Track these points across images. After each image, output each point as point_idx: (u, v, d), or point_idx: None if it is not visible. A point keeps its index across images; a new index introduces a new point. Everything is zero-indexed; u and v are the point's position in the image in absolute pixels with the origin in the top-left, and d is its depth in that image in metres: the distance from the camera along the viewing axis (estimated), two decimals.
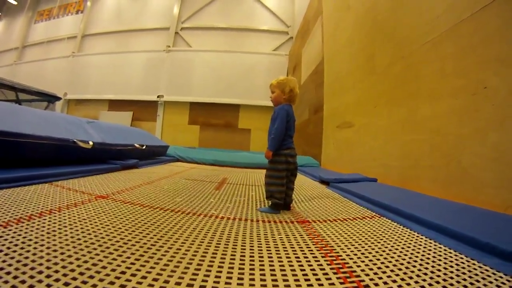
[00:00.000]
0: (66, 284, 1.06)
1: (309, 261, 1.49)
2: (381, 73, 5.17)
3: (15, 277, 1.07)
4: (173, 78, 17.26)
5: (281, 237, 1.88)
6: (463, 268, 1.47)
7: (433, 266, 1.47)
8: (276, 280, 1.25)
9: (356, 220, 2.48)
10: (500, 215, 2.44)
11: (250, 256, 1.51)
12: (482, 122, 2.97)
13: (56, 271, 1.15)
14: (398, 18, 4.74)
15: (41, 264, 1.19)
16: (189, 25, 18.46)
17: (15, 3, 23.58)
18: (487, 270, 1.45)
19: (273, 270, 1.35)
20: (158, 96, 17.05)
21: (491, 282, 1.32)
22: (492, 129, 2.85)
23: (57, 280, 1.08)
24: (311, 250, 1.65)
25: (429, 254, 1.66)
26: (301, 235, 1.96)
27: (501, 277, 1.38)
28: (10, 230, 1.54)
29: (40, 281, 1.06)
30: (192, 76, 17.16)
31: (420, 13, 4.09)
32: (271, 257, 1.51)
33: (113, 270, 1.22)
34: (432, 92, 3.75)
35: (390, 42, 4.93)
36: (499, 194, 2.72)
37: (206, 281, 1.20)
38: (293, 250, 1.64)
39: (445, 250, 1.75)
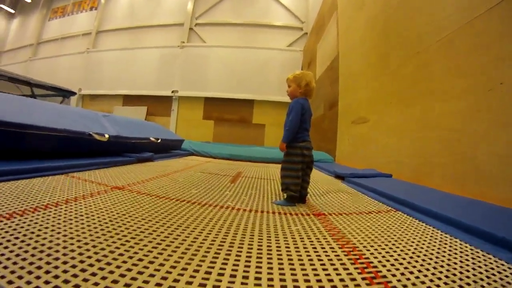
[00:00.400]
0: (83, 270, 1.06)
1: (326, 251, 1.48)
2: (394, 71, 5.14)
3: (31, 263, 1.07)
4: (187, 74, 17.27)
5: (298, 229, 1.87)
6: (479, 262, 1.45)
7: (449, 259, 1.45)
8: (294, 269, 1.24)
9: (372, 214, 2.46)
10: None
11: (268, 246, 1.50)
12: (495, 120, 2.93)
13: (73, 258, 1.15)
14: (410, 17, 4.71)
15: (57, 251, 1.19)
16: (203, 21, 18.45)
17: (29, 0, 23.80)
18: (502, 265, 1.43)
19: (291, 259, 1.34)
20: (172, 91, 17.08)
21: (507, 276, 1.30)
22: (505, 126, 2.81)
23: (73, 266, 1.09)
24: (328, 241, 1.64)
25: (445, 247, 1.64)
26: (318, 227, 1.95)
27: None
28: (26, 218, 1.54)
29: (56, 267, 1.06)
30: (207, 71, 17.16)
31: (432, 12, 4.05)
32: (288, 247, 1.50)
33: (130, 257, 1.21)
34: (445, 90, 3.71)
35: (402, 41, 4.89)
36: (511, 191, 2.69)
37: (224, 269, 1.19)
38: (310, 241, 1.63)
39: (460, 244, 1.73)
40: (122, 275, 1.06)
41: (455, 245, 1.69)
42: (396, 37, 5.14)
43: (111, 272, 1.07)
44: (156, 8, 19.40)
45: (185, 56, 17.60)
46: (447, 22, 3.69)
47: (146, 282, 1.03)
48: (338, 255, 1.44)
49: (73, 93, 10.96)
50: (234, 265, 1.24)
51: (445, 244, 1.71)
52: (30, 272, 1.01)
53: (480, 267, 1.39)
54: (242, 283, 1.08)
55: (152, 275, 1.08)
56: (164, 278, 1.06)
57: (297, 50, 16.90)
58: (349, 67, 7.77)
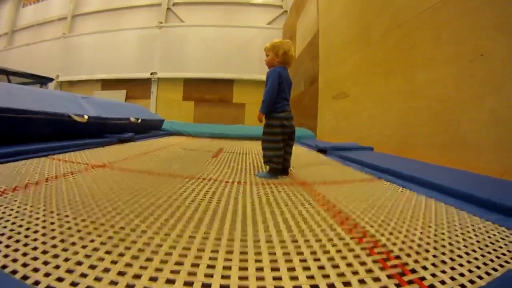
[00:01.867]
0: (62, 240, 1.03)
1: (311, 214, 1.48)
2: (377, 43, 5.09)
3: (17, 241, 1.02)
4: (166, 55, 17.06)
5: (282, 196, 1.86)
6: (466, 223, 1.46)
7: (435, 221, 1.46)
8: (280, 231, 1.23)
9: (355, 182, 2.48)
10: (498, 180, 2.41)
11: (252, 211, 1.49)
12: (479, 88, 2.94)
13: (53, 230, 1.11)
14: None
15: (36, 225, 1.15)
16: (181, 0, 18.20)
17: None
18: (489, 225, 1.44)
19: (278, 224, 1.33)
20: (151, 73, 16.90)
21: (494, 235, 1.31)
22: (489, 94, 2.82)
23: (53, 237, 1.05)
24: (313, 206, 1.64)
25: (430, 210, 1.65)
26: (302, 194, 1.95)
27: (503, 231, 1.38)
28: (5, 197, 1.49)
29: (35, 240, 1.03)
30: (186, 52, 16.96)
31: None
32: (273, 211, 1.49)
33: (112, 226, 1.18)
34: (428, 60, 3.69)
35: (385, 11, 4.84)
36: (496, 160, 2.71)
37: (209, 233, 1.17)
38: (294, 206, 1.62)
39: (446, 207, 1.74)
40: (103, 243, 1.03)
41: (440, 209, 1.70)
42: (379, 7, 5.10)
43: (92, 241, 1.04)
44: None
45: (163, 37, 17.35)
46: None
47: (128, 248, 1.00)
48: (324, 217, 1.43)
49: (51, 80, 10.79)
50: (218, 228, 1.23)
51: (431, 207, 1.72)
52: (5, 255, 0.96)
53: (467, 227, 1.40)
54: (227, 245, 1.06)
55: (134, 242, 1.05)
56: (147, 244, 1.04)
57: (277, 28, 16.79)
58: (330, 42, 7.70)
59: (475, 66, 2.97)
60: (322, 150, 4.84)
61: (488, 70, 2.83)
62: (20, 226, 1.13)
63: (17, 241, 1.01)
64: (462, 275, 0.92)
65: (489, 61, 2.82)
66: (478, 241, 1.21)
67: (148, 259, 0.93)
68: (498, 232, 1.34)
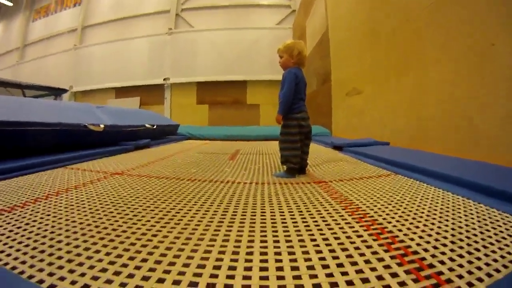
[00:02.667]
0: (86, 249, 1.06)
1: (330, 213, 1.49)
2: (387, 38, 5.06)
3: (34, 248, 1.07)
4: (178, 60, 17.12)
5: (300, 195, 1.87)
6: (483, 215, 1.45)
7: (453, 214, 1.46)
8: (299, 231, 1.24)
9: (372, 178, 2.47)
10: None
11: (271, 212, 1.51)
12: (491, 80, 2.90)
13: (76, 239, 1.15)
14: None
15: (59, 235, 1.19)
16: (189, 5, 18.20)
17: (10, 4, 23.36)
18: (507, 217, 1.43)
19: (295, 222, 1.35)
20: (164, 79, 16.99)
21: None
22: (502, 86, 2.79)
23: (76, 246, 1.08)
24: (331, 204, 1.65)
25: (448, 204, 1.64)
26: (319, 192, 1.96)
27: None
28: (27, 209, 1.54)
29: (59, 249, 1.06)
30: (197, 56, 17.00)
31: None
32: (292, 212, 1.50)
33: (134, 233, 1.21)
34: (439, 55, 3.66)
35: (393, 6, 4.81)
36: (511, 151, 2.69)
37: (229, 235, 1.19)
38: (312, 205, 1.64)
39: (463, 200, 1.73)
40: (126, 250, 1.05)
41: (458, 201, 1.69)
42: (386, 1, 5.07)
43: (115, 248, 1.07)
44: None
45: (174, 42, 17.42)
46: None
47: (150, 253, 1.03)
48: (342, 216, 1.44)
49: (65, 91, 10.90)
50: (238, 231, 1.24)
51: (448, 201, 1.71)
52: (33, 257, 1.00)
53: (484, 219, 1.39)
54: (247, 247, 1.08)
55: (156, 247, 1.08)
56: (169, 249, 1.06)
57: (286, 28, 16.75)
58: (340, 40, 7.69)
59: (486, 59, 2.94)
60: (338, 147, 4.84)
61: (500, 62, 2.80)
62: (44, 236, 1.17)
63: (42, 251, 1.04)
64: (479, 268, 0.92)
65: (500, 53, 2.79)
66: (495, 234, 1.21)
67: (171, 263, 0.95)
68: None
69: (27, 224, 1.31)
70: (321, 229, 1.26)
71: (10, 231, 1.24)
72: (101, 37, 19.34)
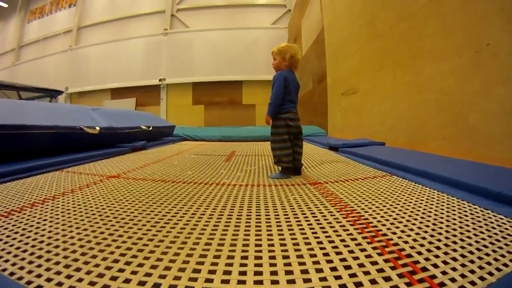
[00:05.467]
0: (83, 254, 1.06)
1: (324, 215, 1.50)
2: (383, 36, 5.08)
3: (31, 254, 1.07)
4: (174, 61, 17.13)
5: (295, 197, 1.88)
6: (478, 217, 1.46)
7: (448, 216, 1.46)
8: (294, 234, 1.25)
9: (368, 179, 2.48)
10: (509, 170, 2.39)
11: (266, 214, 1.52)
12: (487, 79, 2.93)
13: (73, 244, 1.15)
14: None
15: (57, 240, 1.19)
16: (184, 6, 18.19)
17: (5, 5, 23.26)
18: (501, 219, 1.43)
19: (290, 225, 1.36)
20: (159, 80, 16.98)
21: (506, 229, 1.30)
22: (497, 85, 2.82)
23: (73, 251, 1.08)
24: (326, 206, 1.66)
25: (442, 206, 1.65)
26: (314, 194, 1.97)
27: None
28: (24, 214, 1.54)
29: (57, 254, 1.06)
30: (193, 56, 17.02)
31: None
32: (287, 214, 1.52)
33: (130, 237, 1.22)
34: (435, 51, 3.68)
35: (390, 3, 4.83)
36: (507, 149, 2.71)
37: (224, 238, 1.20)
38: (307, 207, 1.65)
39: (458, 202, 1.74)
40: (123, 255, 1.06)
41: (453, 203, 1.70)
42: (383, 3, 5.09)
43: (112, 253, 1.07)
44: None
45: (169, 43, 17.42)
46: None
47: (146, 258, 1.03)
48: (337, 218, 1.45)
49: (60, 92, 10.87)
50: (233, 235, 1.25)
51: (443, 202, 1.72)
52: (30, 262, 1.00)
53: (479, 221, 1.39)
54: (242, 251, 1.09)
55: (152, 251, 1.08)
56: (164, 253, 1.07)
57: (282, 27, 16.76)
58: (335, 39, 7.71)
59: (482, 56, 2.96)
60: (334, 148, 4.85)
61: (496, 59, 2.82)
62: (41, 242, 1.17)
63: (39, 256, 1.04)
64: (472, 272, 0.93)
65: (496, 50, 2.81)
66: (489, 236, 1.21)
67: (167, 268, 0.96)
68: (511, 226, 1.34)
69: (24, 229, 1.32)
70: (315, 232, 1.26)
71: (8, 236, 1.24)
72: (96, 38, 19.34)
